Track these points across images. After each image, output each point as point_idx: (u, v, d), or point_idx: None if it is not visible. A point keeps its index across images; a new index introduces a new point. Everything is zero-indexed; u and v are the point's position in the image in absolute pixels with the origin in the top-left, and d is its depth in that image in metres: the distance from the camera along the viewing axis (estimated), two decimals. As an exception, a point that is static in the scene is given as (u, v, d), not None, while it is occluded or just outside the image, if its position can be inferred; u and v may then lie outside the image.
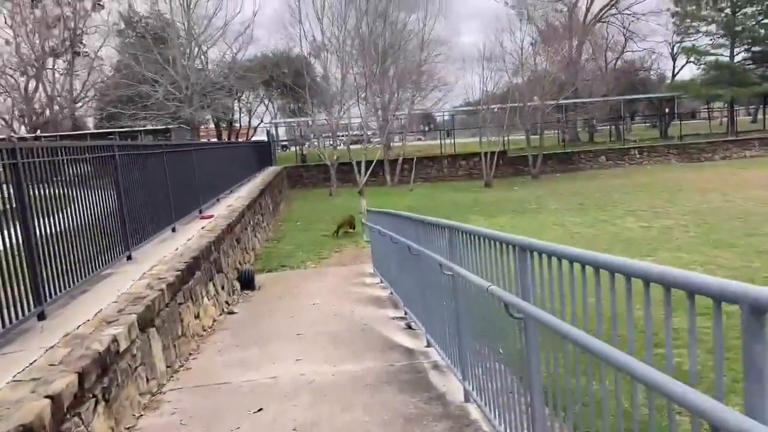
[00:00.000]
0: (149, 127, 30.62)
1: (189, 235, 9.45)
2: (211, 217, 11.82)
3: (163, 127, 30.36)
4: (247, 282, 10.88)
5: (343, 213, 21.01)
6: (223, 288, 9.29)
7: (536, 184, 29.94)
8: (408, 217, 6.77)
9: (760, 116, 51.20)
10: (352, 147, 29.67)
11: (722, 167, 30.65)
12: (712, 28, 38.76)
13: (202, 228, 10.34)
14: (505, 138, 35.65)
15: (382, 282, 10.22)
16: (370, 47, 27.78)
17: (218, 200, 14.44)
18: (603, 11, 49.07)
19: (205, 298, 8.14)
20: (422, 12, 34.21)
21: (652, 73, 52.43)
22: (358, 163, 22.27)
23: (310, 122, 33.41)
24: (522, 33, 38.25)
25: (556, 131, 41.70)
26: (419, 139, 54.92)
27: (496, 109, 34.09)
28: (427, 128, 61.13)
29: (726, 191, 20.40)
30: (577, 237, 14.36)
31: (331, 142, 33.09)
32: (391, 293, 8.95)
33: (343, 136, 35.23)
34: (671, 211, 17.01)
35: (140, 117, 27.66)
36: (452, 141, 39.85)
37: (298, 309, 8.70)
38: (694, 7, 38.90)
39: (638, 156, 35.78)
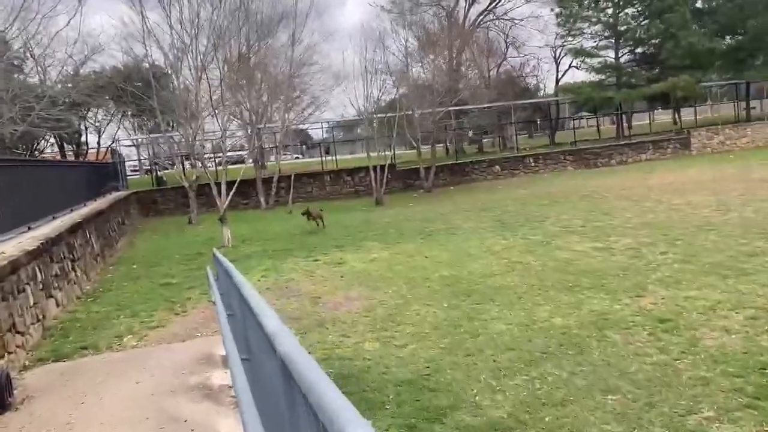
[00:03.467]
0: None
1: None
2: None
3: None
4: (-11, 400, 5.97)
5: (203, 247, 16.21)
6: None
7: (432, 198, 26.28)
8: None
9: (636, 122, 51.14)
10: (229, 167, 24.75)
11: (625, 172, 28.45)
12: (597, 28, 37.24)
13: None
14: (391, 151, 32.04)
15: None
16: (230, 42, 23.18)
17: (-8, 245, 9.31)
18: (481, 16, 47.17)
19: None
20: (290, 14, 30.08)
21: (534, 78, 51.13)
22: (218, 184, 17.46)
23: (162, 139, 28.03)
24: (404, 37, 34.85)
25: (443, 143, 38.72)
26: (297, 158, 50.96)
27: (376, 122, 30.08)
28: (304, 146, 57.10)
29: (659, 198, 17.49)
30: (519, 268, 10.44)
31: (191, 161, 27.93)
32: None
33: (213, 156, 30.50)
34: (617, 226, 13.60)
35: None
36: (333, 158, 35.68)
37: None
38: (577, 7, 37.20)
39: (533, 164, 33.23)
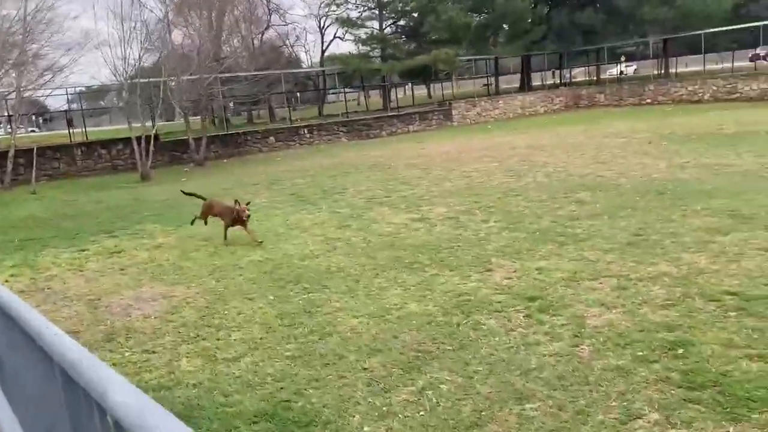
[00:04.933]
0: None
1: None
2: None
3: None
4: None
5: None
6: None
7: (207, 172, 23.98)
8: None
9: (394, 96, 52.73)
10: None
11: (398, 142, 28.77)
12: (361, -1, 37.24)
13: None
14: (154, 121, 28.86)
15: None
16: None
17: None
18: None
19: None
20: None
21: (300, 48, 50.19)
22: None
23: None
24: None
25: (209, 114, 36.00)
26: (32, 131, 44.50)
27: (138, 87, 26.44)
28: (42, 119, 49.97)
29: (447, 166, 17.48)
30: (341, 246, 9.23)
31: None
32: None
33: None
34: (422, 195, 13.04)
35: None
36: (82, 130, 31.12)
37: None
38: (342, -25, 36.81)
39: (308, 135, 32.27)
